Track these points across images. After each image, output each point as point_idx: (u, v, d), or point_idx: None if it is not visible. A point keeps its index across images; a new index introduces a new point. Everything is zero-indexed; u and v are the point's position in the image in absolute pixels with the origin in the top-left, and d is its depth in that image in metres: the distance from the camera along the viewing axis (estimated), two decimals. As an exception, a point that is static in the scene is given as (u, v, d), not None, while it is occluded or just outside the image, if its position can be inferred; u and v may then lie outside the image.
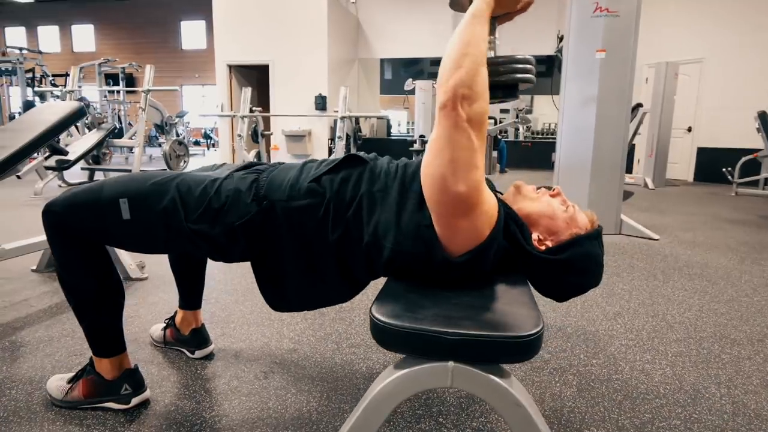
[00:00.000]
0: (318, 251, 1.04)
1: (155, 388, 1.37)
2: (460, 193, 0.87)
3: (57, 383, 1.29)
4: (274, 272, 1.10)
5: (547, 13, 8.61)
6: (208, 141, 15.38)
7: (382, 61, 10.65)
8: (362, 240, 1.00)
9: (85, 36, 18.08)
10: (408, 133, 10.93)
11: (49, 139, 2.13)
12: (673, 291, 2.32)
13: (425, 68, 12.50)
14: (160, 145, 11.31)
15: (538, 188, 1.14)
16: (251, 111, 5.09)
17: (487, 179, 1.29)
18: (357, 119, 7.54)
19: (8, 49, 8.51)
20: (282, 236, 1.05)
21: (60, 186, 5.89)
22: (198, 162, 10.14)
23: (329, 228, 1.02)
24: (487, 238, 0.92)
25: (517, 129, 9.67)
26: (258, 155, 5.35)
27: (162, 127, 6.33)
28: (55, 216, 1.12)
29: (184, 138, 10.54)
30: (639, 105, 5.51)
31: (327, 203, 1.03)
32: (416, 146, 8.63)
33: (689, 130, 7.52)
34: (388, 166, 1.09)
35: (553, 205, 1.06)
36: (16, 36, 18.44)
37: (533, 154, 9.65)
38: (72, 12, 17.77)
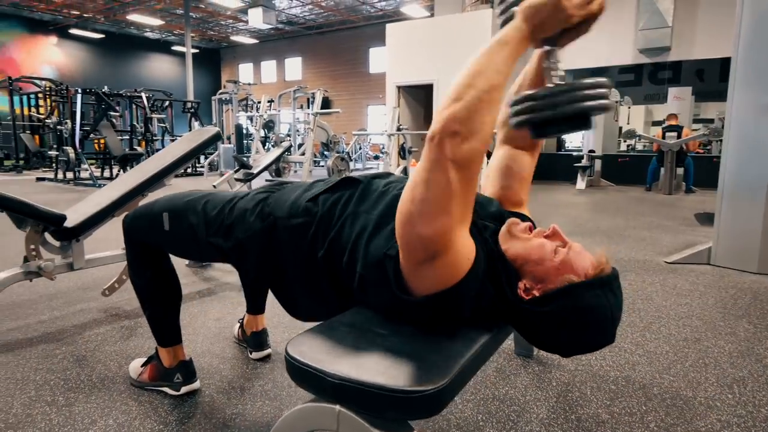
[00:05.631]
0: (312, 267, 1.07)
1: (207, 378, 1.57)
2: (423, 236, 0.80)
3: (135, 365, 1.57)
4: (283, 283, 1.16)
5: (726, 12, 7.08)
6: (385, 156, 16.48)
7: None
8: (341, 261, 1.01)
9: (294, 67, 21.12)
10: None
11: (193, 156, 2.60)
12: None
13: (612, 77, 11.38)
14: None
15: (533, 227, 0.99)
16: (399, 129, 5.33)
17: (524, 216, 1.14)
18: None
19: (226, 83, 10.48)
20: (284, 251, 1.11)
21: (248, 195, 6.99)
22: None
23: (317, 246, 1.05)
24: (451, 287, 0.84)
25: (707, 143, 8.12)
26: (405, 170, 5.58)
27: (327, 145, 7.05)
28: (125, 224, 1.38)
29: (359, 152, 11.49)
30: None
31: (317, 222, 1.06)
32: (583, 162, 7.93)
33: None
34: (385, 186, 1.07)
35: (542, 248, 0.90)
36: (246, 71, 22.51)
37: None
38: (286, 47, 20.94)
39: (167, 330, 1.45)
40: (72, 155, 8.12)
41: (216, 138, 2.66)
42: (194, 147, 2.54)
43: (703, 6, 8.06)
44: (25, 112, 12.20)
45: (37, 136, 11.57)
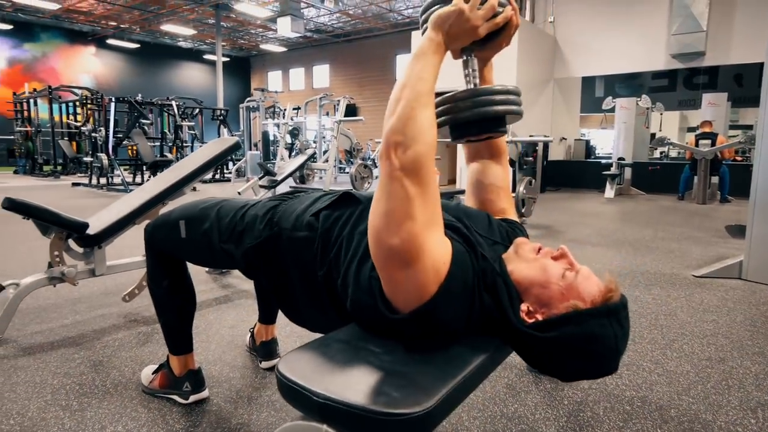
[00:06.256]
0: (314, 282, 1.07)
1: (216, 387, 1.59)
2: (393, 247, 0.81)
3: (147, 372, 1.60)
4: (289, 293, 1.17)
5: (766, 15, 6.82)
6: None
7: (584, 79, 9.87)
8: (337, 283, 1.01)
9: (322, 74, 21.37)
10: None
11: (213, 165, 2.65)
12: None
13: (645, 82, 11.09)
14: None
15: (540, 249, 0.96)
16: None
17: (511, 221, 1.15)
18: (543, 144, 7.11)
19: (254, 91, 10.68)
20: (287, 262, 1.12)
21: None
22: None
23: (319, 264, 1.05)
24: (431, 299, 0.83)
25: (746, 151, 7.81)
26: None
27: (351, 152, 7.09)
28: (146, 233, 1.41)
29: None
30: None
31: (318, 239, 1.06)
32: (612, 169, 7.74)
33: None
34: None
35: (548, 271, 0.88)
36: (275, 78, 22.91)
37: None
38: (314, 55, 21.22)
39: (179, 338, 1.48)
40: (105, 161, 8.41)
41: (235, 148, 2.70)
42: (213, 156, 2.58)
43: (740, 8, 7.79)
44: (64, 119, 12.71)
45: (74, 143, 12.04)
